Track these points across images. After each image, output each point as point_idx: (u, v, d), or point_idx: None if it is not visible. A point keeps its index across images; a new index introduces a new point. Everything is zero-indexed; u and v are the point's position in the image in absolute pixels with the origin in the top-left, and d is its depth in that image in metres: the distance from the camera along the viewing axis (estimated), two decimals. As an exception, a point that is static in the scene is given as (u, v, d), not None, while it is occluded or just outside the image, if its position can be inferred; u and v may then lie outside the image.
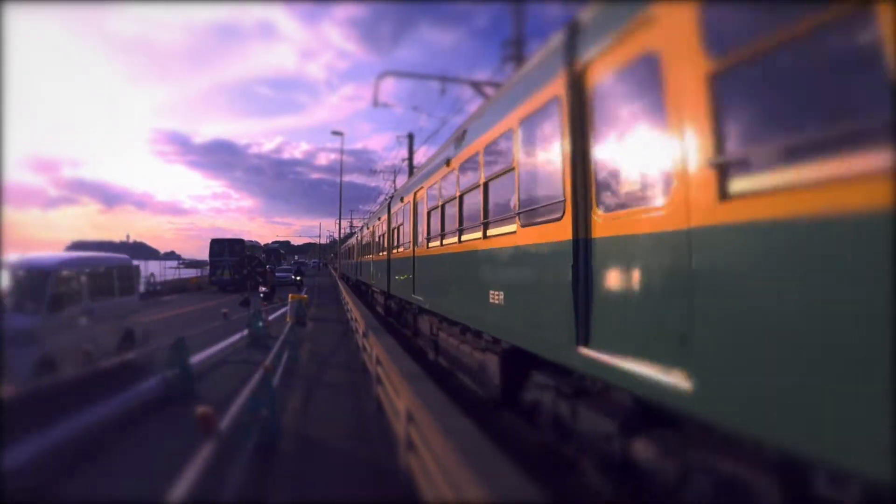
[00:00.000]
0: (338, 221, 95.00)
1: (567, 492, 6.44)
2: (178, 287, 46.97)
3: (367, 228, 28.87)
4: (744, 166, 3.58)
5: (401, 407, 6.66)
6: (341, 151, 59.68)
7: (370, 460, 7.32)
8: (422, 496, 5.34)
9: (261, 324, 17.78)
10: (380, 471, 6.92)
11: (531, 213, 6.90)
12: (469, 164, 9.61)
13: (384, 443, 7.70)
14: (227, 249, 48.38)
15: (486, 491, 3.49)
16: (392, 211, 19.49)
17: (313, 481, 6.68)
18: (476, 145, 9.11)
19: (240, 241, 51.38)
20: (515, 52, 21.06)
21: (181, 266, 77.23)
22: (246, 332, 17.86)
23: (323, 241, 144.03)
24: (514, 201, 7.53)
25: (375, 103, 25.44)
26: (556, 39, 6.27)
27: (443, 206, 11.70)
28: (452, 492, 4.16)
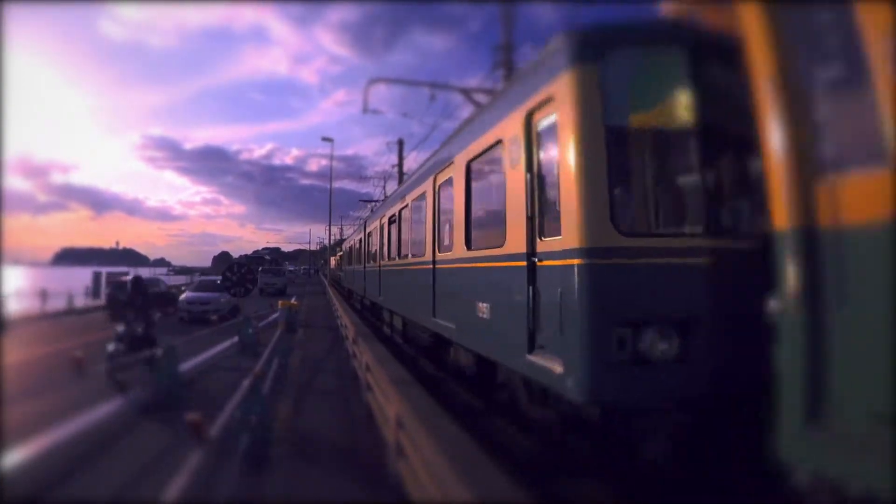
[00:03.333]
0: (328, 228, 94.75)
1: (555, 496, 6.49)
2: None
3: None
4: None
5: (390, 413, 6.71)
6: (331, 157, 59.87)
7: (361, 466, 7.34)
8: (412, 501, 5.38)
9: (251, 330, 17.74)
10: (370, 477, 6.95)
11: None
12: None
13: (375, 448, 7.71)
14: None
15: (474, 496, 3.54)
16: None
17: (304, 487, 6.71)
18: None
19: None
20: (505, 57, 21.19)
21: (171, 273, 77.66)
22: (236, 339, 17.84)
23: (313, 247, 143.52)
24: None
25: (365, 110, 25.57)
26: None
27: None
28: (442, 497, 4.20)
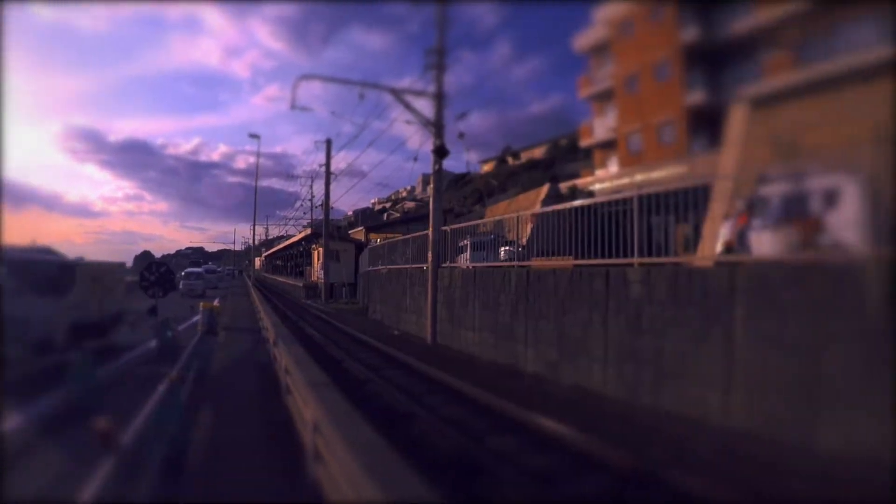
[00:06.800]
0: (252, 227, 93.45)
1: (476, 498, 6.57)
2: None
3: None
4: None
5: (308, 416, 6.68)
6: (258, 154, 59.25)
7: (280, 471, 7.29)
8: (328, 505, 5.39)
9: (170, 333, 17.38)
10: (289, 482, 6.91)
11: None
12: None
13: (294, 453, 7.66)
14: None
15: (385, 498, 3.56)
16: None
17: (221, 494, 6.63)
18: None
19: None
20: (438, 60, 21.35)
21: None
22: (154, 342, 17.45)
23: (238, 247, 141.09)
24: None
25: (293, 106, 25.56)
26: None
27: None
28: (357, 500, 4.21)
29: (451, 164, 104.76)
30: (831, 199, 9.88)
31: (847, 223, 8.86)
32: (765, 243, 10.01)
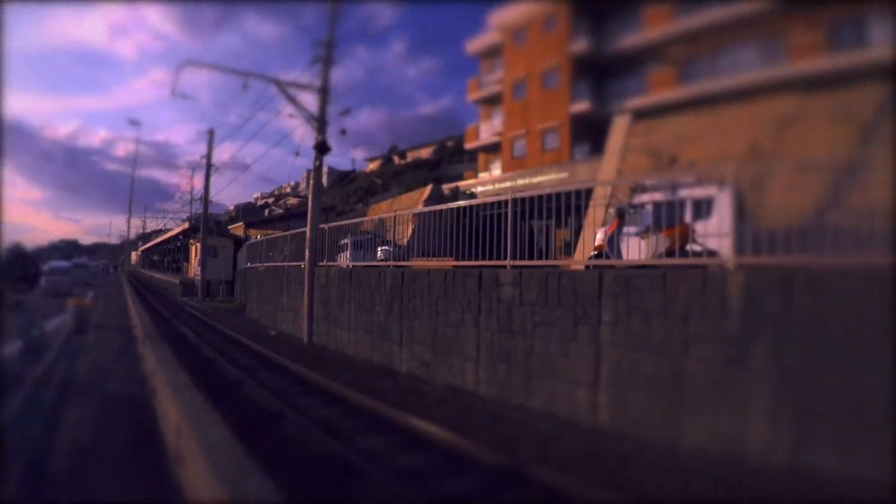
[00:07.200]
0: (128, 220, 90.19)
1: (344, 499, 6.56)
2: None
3: None
4: None
5: (172, 419, 6.54)
6: (137, 142, 57.47)
7: (145, 474, 7.06)
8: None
9: (36, 331, 16.56)
10: (153, 484, 6.70)
11: None
12: None
13: (160, 456, 7.44)
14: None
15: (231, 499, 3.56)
16: None
17: (85, 497, 6.38)
18: None
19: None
20: (326, 53, 21.24)
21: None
22: (18, 341, 16.61)
23: (114, 240, 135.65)
24: None
25: (174, 93, 25.08)
26: None
27: None
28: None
29: (337, 162, 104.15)
30: (701, 209, 10.34)
31: (715, 232, 9.28)
32: (633, 249, 10.38)
